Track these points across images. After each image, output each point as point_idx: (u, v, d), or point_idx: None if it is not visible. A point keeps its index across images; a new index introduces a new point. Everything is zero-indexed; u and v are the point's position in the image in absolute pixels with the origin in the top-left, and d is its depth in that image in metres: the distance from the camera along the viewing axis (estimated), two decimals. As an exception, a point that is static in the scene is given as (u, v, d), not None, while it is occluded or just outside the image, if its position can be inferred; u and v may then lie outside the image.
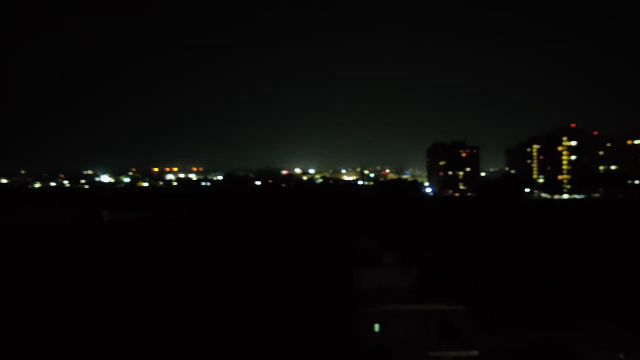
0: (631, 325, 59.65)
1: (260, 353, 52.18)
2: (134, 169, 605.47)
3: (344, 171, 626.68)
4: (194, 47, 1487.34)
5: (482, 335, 49.78)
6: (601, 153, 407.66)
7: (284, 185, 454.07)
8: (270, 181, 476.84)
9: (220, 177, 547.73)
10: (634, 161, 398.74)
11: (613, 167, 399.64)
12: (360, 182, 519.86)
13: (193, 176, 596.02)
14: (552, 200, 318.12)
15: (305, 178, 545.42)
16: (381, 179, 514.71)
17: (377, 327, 46.05)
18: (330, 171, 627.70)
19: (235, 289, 76.40)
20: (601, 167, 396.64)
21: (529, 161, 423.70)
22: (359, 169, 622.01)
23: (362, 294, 51.32)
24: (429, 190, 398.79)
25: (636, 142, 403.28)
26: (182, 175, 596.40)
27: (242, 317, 62.47)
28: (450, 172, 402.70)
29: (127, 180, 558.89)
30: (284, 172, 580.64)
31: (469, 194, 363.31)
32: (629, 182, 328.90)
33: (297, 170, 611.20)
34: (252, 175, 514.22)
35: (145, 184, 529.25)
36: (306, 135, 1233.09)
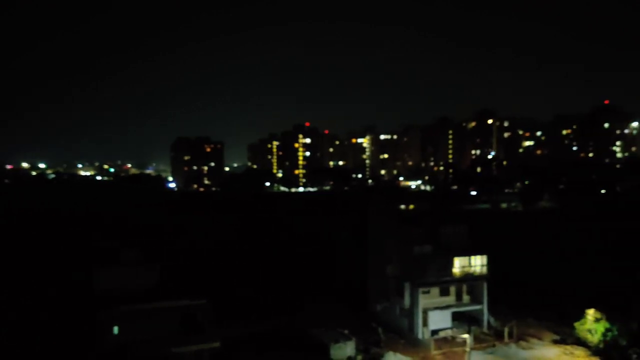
0: (351, 305, 67.74)
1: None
2: None
3: (80, 166, 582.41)
4: None
5: (223, 327, 51.50)
6: (331, 150, 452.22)
7: (7, 181, 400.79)
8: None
9: None
10: (357, 157, 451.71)
11: (341, 163, 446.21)
12: (98, 178, 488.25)
13: None
14: (289, 192, 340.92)
15: (34, 173, 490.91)
16: (122, 174, 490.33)
17: (116, 329, 44.31)
18: (64, 166, 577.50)
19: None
20: (331, 163, 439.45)
21: (269, 156, 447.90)
22: (97, 164, 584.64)
23: (103, 294, 48.95)
24: (172, 185, 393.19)
25: (359, 140, 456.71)
26: None
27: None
28: (195, 167, 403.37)
29: None
30: (9, 166, 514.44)
31: (213, 188, 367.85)
32: (353, 175, 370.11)
33: (25, 165, 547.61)
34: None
35: None
36: (35, 126, 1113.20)
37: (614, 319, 52.04)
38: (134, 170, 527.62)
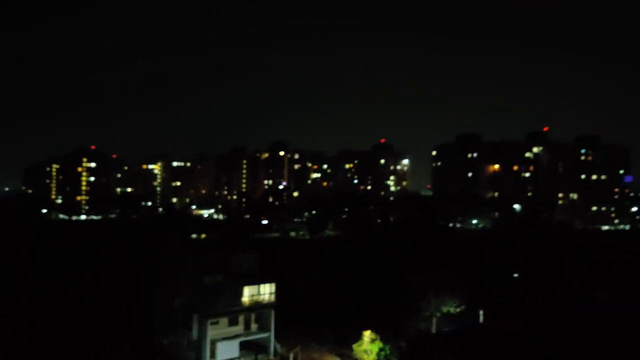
0: (138, 341, 64.21)
1: None
2: None
3: None
4: None
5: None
6: (119, 176, 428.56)
7: None
8: None
9: None
10: (148, 184, 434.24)
11: (129, 190, 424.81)
12: None
13: None
14: (69, 220, 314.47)
15: None
16: None
17: None
18: None
19: None
20: (118, 189, 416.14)
21: (47, 181, 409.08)
22: None
23: None
24: None
25: (150, 166, 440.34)
26: None
27: None
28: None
29: None
30: None
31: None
32: (143, 203, 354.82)
33: None
34: None
35: None
36: None
37: (387, 338, 56.86)
38: None
